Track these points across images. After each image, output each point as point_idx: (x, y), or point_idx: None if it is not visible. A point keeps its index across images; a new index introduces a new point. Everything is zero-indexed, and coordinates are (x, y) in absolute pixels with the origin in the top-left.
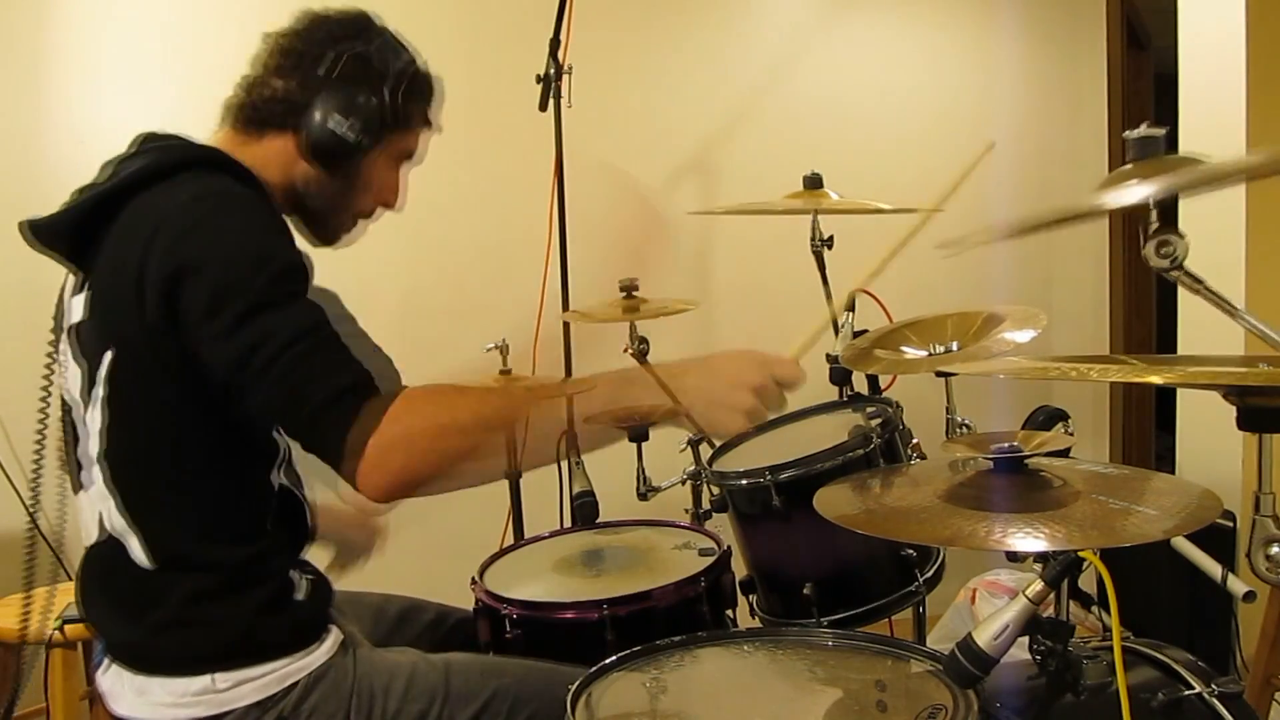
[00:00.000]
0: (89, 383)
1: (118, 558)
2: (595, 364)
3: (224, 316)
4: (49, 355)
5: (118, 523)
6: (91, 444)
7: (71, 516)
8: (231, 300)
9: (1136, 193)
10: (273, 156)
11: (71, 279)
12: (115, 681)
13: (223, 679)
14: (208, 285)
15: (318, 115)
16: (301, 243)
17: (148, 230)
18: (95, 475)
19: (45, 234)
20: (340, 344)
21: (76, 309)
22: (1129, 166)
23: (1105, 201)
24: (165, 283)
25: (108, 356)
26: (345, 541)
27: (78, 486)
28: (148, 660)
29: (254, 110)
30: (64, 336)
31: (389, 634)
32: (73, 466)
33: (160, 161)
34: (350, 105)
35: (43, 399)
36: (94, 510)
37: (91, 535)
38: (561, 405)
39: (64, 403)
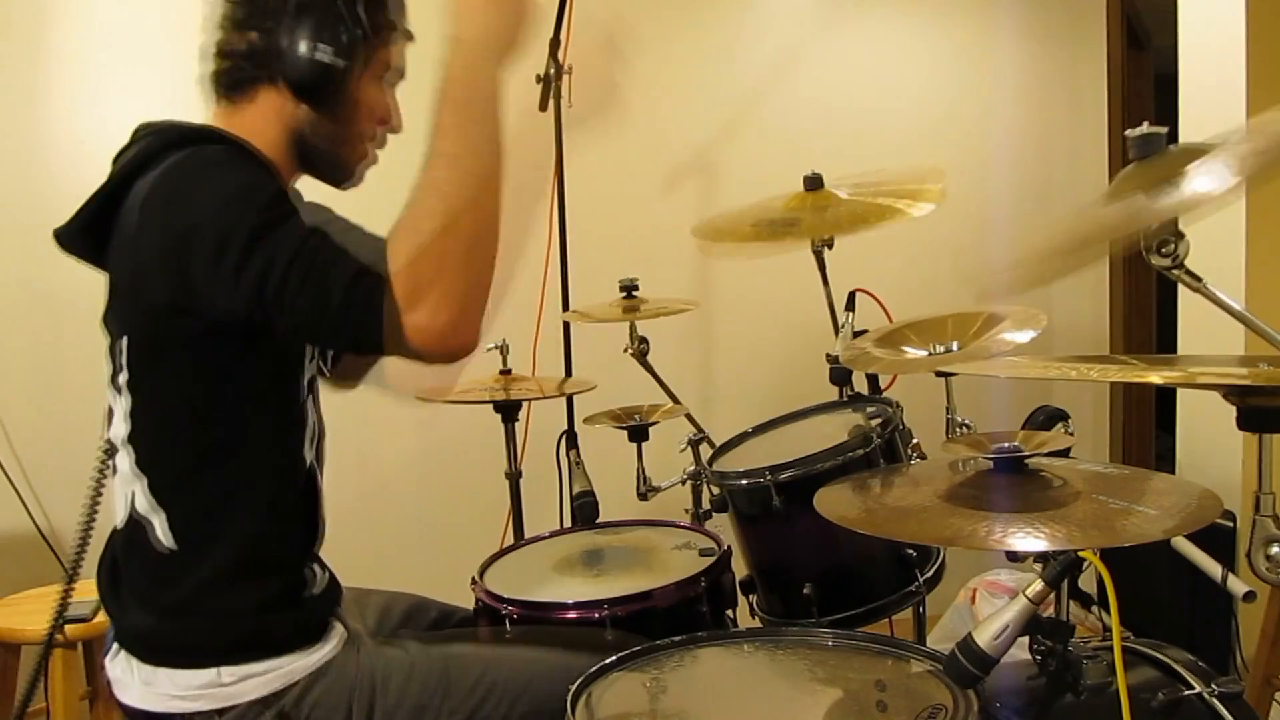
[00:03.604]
0: (115, 369)
1: (141, 540)
2: (596, 364)
3: (229, 257)
4: None
5: (144, 504)
6: (121, 426)
7: (68, 516)
8: (232, 240)
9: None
10: (268, 113)
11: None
12: (124, 670)
13: (228, 673)
14: (210, 237)
15: (296, 50)
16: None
17: (139, 217)
18: (124, 457)
19: (66, 239)
20: (334, 242)
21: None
22: (1133, 166)
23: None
24: (168, 254)
25: (124, 342)
26: None
27: (112, 470)
28: (156, 649)
29: (235, 72)
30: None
31: (393, 633)
32: (110, 452)
33: (150, 148)
34: (322, 30)
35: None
36: (124, 492)
37: (120, 518)
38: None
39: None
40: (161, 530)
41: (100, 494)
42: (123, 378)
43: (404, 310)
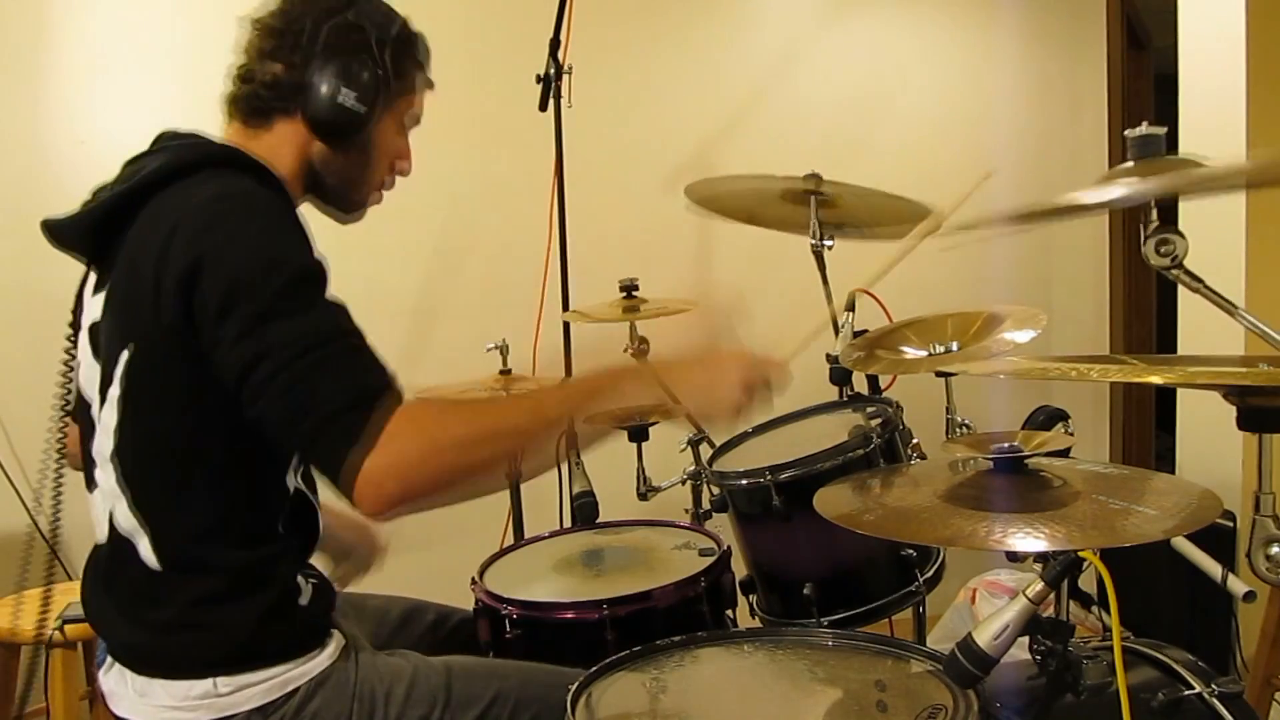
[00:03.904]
0: (105, 380)
1: (125, 557)
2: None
3: (232, 321)
4: (68, 353)
5: (127, 522)
6: (105, 441)
7: (69, 515)
8: (241, 304)
9: (1131, 191)
10: (285, 141)
11: (92, 277)
12: (118, 682)
13: (224, 683)
14: (220, 285)
15: (322, 91)
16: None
17: (167, 228)
18: (106, 473)
19: (65, 234)
20: (351, 355)
21: (95, 308)
22: (1128, 164)
23: (1099, 198)
24: (182, 279)
25: (125, 354)
26: (344, 550)
27: (91, 484)
28: (150, 662)
29: (257, 100)
30: (83, 334)
31: (391, 636)
32: (87, 464)
33: (180, 160)
34: (350, 75)
35: (62, 397)
36: (105, 508)
37: (101, 534)
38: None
39: (81, 400)
40: (147, 550)
41: (60, 498)
42: (115, 391)
43: (359, 477)
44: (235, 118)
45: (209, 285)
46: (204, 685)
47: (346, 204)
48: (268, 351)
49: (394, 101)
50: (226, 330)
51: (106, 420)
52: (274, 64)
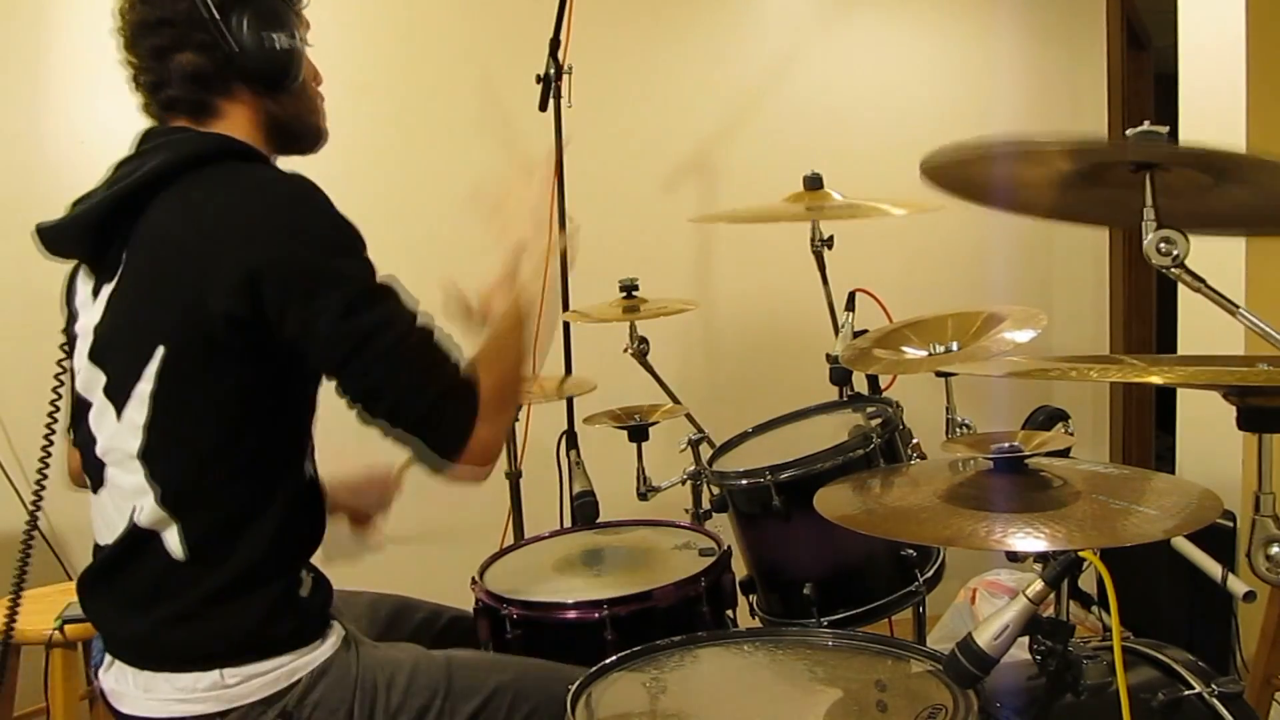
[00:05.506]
0: (125, 379)
1: (143, 552)
2: (595, 363)
3: (329, 303)
4: (60, 365)
5: (154, 516)
6: (126, 440)
7: (70, 517)
8: (338, 288)
9: None
10: (238, 120)
11: (83, 282)
12: (119, 681)
13: (231, 674)
14: (301, 275)
15: (253, 51)
16: None
17: (202, 224)
18: (126, 471)
19: (60, 237)
20: (441, 333)
21: (95, 310)
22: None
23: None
24: (243, 277)
25: (158, 352)
26: (360, 507)
27: (98, 486)
28: (155, 656)
29: (193, 94)
30: (79, 339)
31: (381, 634)
32: (93, 466)
33: (184, 154)
34: (266, 17)
35: (52, 403)
36: (121, 506)
37: (109, 535)
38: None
39: (80, 404)
40: (175, 540)
41: (40, 506)
42: (145, 388)
43: (480, 421)
44: (181, 119)
45: (285, 279)
46: (211, 677)
47: (312, 136)
48: (380, 327)
49: (300, 21)
50: (318, 310)
51: (131, 419)
52: (182, 55)
